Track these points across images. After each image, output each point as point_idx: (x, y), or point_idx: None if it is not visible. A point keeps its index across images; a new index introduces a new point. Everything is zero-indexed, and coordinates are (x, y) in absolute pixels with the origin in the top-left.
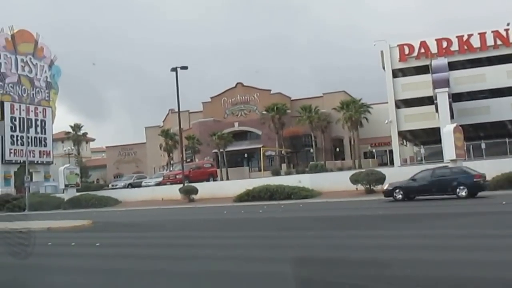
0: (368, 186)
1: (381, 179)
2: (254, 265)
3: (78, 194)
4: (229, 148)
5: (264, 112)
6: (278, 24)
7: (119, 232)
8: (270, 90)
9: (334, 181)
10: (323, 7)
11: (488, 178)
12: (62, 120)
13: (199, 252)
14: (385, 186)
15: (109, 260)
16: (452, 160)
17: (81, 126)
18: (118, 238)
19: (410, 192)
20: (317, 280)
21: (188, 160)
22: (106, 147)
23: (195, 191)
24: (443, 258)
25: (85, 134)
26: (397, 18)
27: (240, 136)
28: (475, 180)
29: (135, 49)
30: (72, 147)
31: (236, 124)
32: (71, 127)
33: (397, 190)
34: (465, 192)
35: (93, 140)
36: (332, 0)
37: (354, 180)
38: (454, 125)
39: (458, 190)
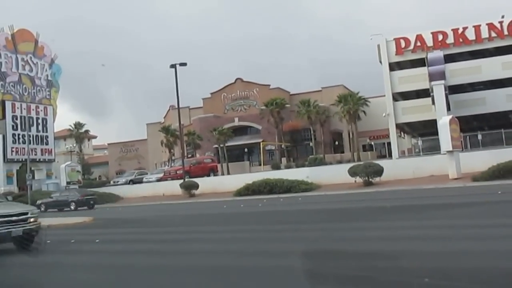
0: (366, 178)
1: (379, 171)
2: (256, 259)
3: None
4: (230, 143)
5: (263, 107)
6: (278, 20)
7: (119, 228)
8: (269, 85)
9: (333, 174)
10: (322, 2)
11: (485, 168)
12: (65, 118)
13: (199, 247)
14: (38, 201)
15: (107, 256)
16: (448, 152)
17: (83, 125)
18: (118, 234)
19: (49, 206)
20: (322, 272)
21: (189, 155)
22: (108, 144)
23: (196, 186)
24: None
25: (87, 131)
26: (395, 12)
27: (240, 131)
28: (80, 198)
29: (137, 46)
30: (74, 145)
31: (236, 119)
32: (71, 126)
33: (41, 205)
34: (73, 207)
35: (95, 137)
36: None
37: (353, 172)
38: (450, 116)
39: (70, 205)
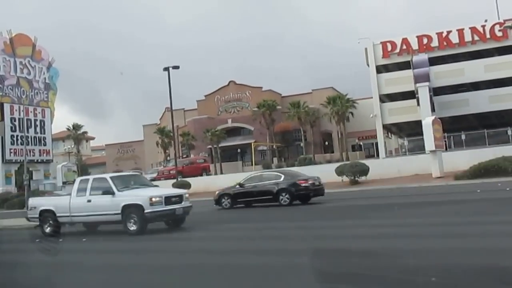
0: (352, 177)
1: (365, 170)
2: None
3: None
4: (223, 144)
5: (256, 109)
6: (271, 24)
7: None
8: (261, 88)
9: (321, 173)
10: (314, 8)
11: (468, 167)
12: (65, 120)
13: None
14: None
15: (92, 254)
16: (431, 151)
17: (81, 126)
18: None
19: None
20: (328, 271)
21: (184, 156)
22: (106, 145)
23: (188, 185)
24: None
25: (85, 133)
26: (383, 17)
27: (233, 132)
28: None
29: (135, 48)
30: (72, 146)
31: (229, 120)
32: (68, 128)
33: None
34: None
35: (93, 138)
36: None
37: (339, 172)
38: (433, 117)
39: None
